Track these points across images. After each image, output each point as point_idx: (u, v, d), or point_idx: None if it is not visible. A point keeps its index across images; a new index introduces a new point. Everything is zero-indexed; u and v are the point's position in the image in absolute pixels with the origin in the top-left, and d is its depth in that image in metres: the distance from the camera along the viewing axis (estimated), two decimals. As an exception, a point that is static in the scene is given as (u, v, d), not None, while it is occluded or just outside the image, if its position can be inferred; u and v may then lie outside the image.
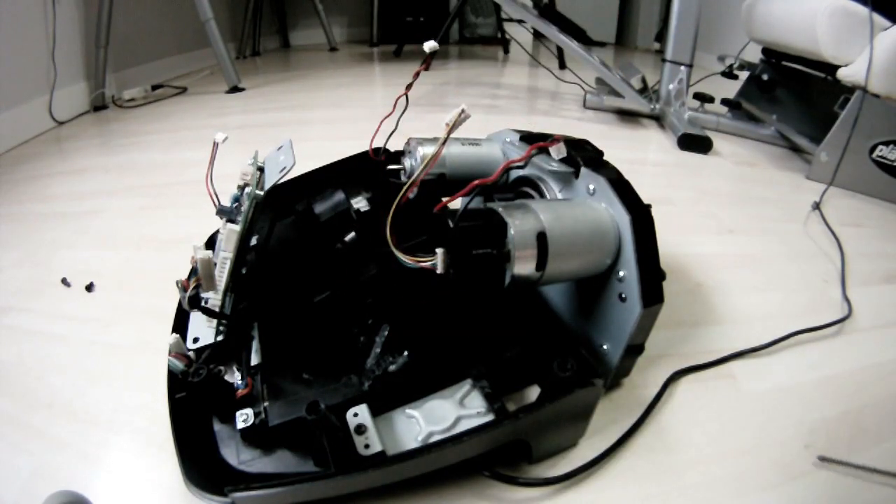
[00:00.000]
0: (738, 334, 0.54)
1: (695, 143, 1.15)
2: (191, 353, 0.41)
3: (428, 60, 0.54)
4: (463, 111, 0.40)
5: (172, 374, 0.40)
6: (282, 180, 0.43)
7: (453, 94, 1.69)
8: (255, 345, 0.43)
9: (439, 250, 0.34)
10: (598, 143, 0.49)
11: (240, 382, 0.39)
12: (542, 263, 0.36)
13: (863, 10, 0.92)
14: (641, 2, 2.91)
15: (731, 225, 0.80)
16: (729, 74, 1.41)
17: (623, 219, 0.39)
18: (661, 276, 0.39)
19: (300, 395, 0.37)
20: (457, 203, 0.42)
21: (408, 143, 0.51)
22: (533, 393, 0.43)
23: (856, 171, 0.95)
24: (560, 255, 0.37)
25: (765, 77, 1.35)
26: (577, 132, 0.58)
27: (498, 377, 0.40)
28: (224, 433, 0.37)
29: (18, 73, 1.25)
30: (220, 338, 0.43)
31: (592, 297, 0.42)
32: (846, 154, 0.94)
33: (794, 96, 1.28)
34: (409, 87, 0.49)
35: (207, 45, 1.64)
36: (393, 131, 0.53)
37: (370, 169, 0.55)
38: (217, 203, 0.45)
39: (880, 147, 0.93)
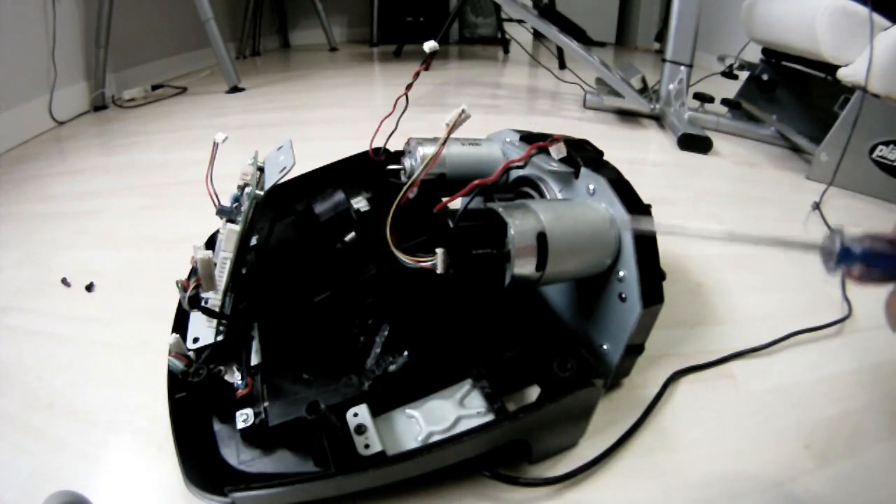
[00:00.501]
0: (738, 334, 0.54)
1: (695, 143, 1.15)
2: (191, 353, 0.41)
3: (428, 60, 0.54)
4: (463, 111, 0.40)
5: (172, 374, 0.40)
6: (282, 180, 0.43)
7: (453, 94, 1.69)
8: (255, 345, 0.43)
9: (439, 250, 0.34)
10: (598, 143, 0.49)
11: (240, 382, 0.39)
12: (542, 263, 0.36)
13: (863, 10, 0.92)
14: (641, 2, 2.91)
15: (732, 225, 0.80)
16: (729, 74, 1.41)
17: (623, 219, 0.39)
18: (661, 276, 0.39)
19: (300, 395, 0.37)
20: (457, 203, 0.42)
21: (408, 143, 0.51)
22: (533, 393, 0.43)
23: (856, 172, 0.95)
24: (560, 255, 0.37)
25: (765, 77, 1.35)
26: (577, 132, 0.58)
27: (498, 377, 0.40)
28: (224, 433, 0.37)
29: (18, 73, 1.25)
30: (220, 338, 0.43)
31: (592, 297, 0.42)
32: (846, 154, 0.94)
33: (794, 96, 1.28)
34: (409, 87, 0.49)
35: (207, 45, 1.64)
36: (393, 131, 0.53)
37: (370, 169, 0.55)
38: (217, 203, 0.45)
39: (880, 147, 0.93)
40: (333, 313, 0.43)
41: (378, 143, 0.55)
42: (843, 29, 0.95)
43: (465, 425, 0.37)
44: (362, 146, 0.57)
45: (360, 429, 0.35)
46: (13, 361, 0.52)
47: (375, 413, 0.37)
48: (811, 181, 1.00)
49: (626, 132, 1.30)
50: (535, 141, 0.48)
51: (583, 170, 0.43)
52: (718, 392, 0.47)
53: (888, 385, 0.49)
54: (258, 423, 0.36)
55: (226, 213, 0.44)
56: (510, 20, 2.39)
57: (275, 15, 2.80)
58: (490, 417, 0.37)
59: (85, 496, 0.34)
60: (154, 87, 1.68)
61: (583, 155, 0.44)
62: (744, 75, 1.42)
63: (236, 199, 0.45)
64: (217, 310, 0.42)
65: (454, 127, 0.41)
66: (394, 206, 0.38)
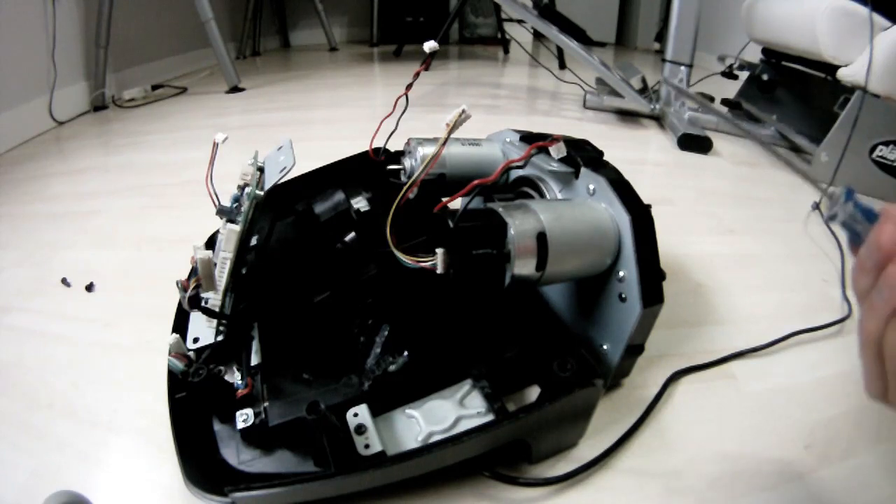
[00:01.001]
0: (738, 334, 0.54)
1: (695, 143, 1.15)
2: (191, 353, 0.41)
3: (428, 60, 0.54)
4: (463, 111, 0.40)
5: (172, 374, 0.40)
6: (282, 180, 0.43)
7: (453, 94, 1.69)
8: (255, 345, 0.43)
9: (439, 250, 0.34)
10: (598, 143, 0.49)
11: (240, 382, 0.39)
12: (542, 263, 0.36)
13: (863, 10, 0.92)
14: (641, 2, 2.91)
15: (732, 225, 0.80)
16: (729, 74, 1.41)
17: (623, 219, 0.39)
18: (661, 276, 0.39)
19: (300, 395, 0.37)
20: (457, 203, 0.42)
21: (408, 143, 0.51)
22: (533, 393, 0.43)
23: (856, 172, 0.95)
24: (560, 255, 0.37)
25: (765, 77, 1.35)
26: (577, 132, 0.58)
27: (498, 377, 0.40)
28: (224, 433, 0.37)
29: (18, 73, 1.25)
30: (220, 338, 0.43)
31: (592, 297, 0.42)
32: (846, 154, 0.94)
33: (794, 96, 1.28)
34: (409, 87, 0.49)
35: (207, 45, 1.64)
36: (393, 131, 0.53)
37: (370, 169, 0.55)
38: (217, 203, 0.45)
39: (880, 147, 0.93)
40: (333, 313, 0.43)
41: (378, 143, 0.55)
42: (843, 29, 0.95)
43: (465, 425, 0.37)
44: (362, 146, 0.57)
45: (360, 429, 0.35)
46: (13, 361, 0.52)
47: (375, 413, 0.37)
48: (811, 181, 0.99)
49: (626, 132, 1.30)
50: (535, 141, 0.48)
51: (583, 170, 0.43)
52: (718, 392, 0.47)
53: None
54: (258, 423, 0.36)
55: (226, 213, 0.44)
56: (510, 20, 2.39)
57: (275, 15, 2.80)
58: (490, 417, 0.37)
59: (85, 496, 0.34)
60: (154, 87, 1.68)
61: (583, 155, 0.44)
62: (744, 75, 1.42)
63: (236, 199, 0.45)
64: (217, 310, 0.42)
65: (454, 127, 0.41)
66: (394, 206, 0.38)
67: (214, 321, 0.42)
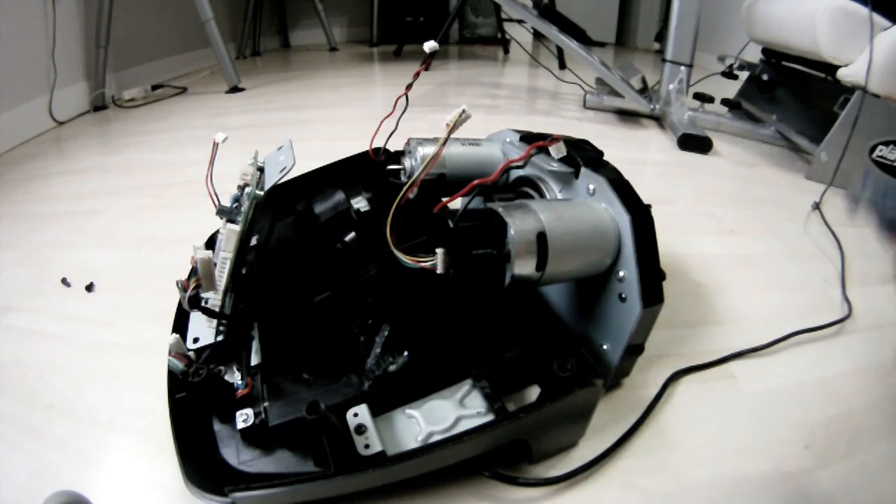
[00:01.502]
0: (738, 334, 0.54)
1: (695, 143, 1.15)
2: (191, 353, 0.41)
3: (428, 60, 0.54)
4: (464, 111, 0.40)
5: (172, 374, 0.40)
6: (282, 180, 0.43)
7: (453, 94, 1.69)
8: (255, 345, 0.43)
9: (439, 250, 0.34)
10: (598, 143, 0.49)
11: (240, 382, 0.39)
12: (542, 263, 0.36)
13: (863, 10, 0.92)
14: (641, 2, 2.91)
15: (732, 225, 0.80)
16: (729, 74, 1.41)
17: (623, 219, 0.39)
18: (661, 276, 0.39)
19: (300, 395, 0.37)
20: (457, 203, 0.42)
21: (408, 143, 0.51)
22: (533, 393, 0.43)
23: (856, 172, 0.95)
24: (560, 255, 0.37)
25: (765, 77, 1.35)
26: (577, 132, 0.58)
27: (498, 377, 0.40)
28: (224, 433, 0.37)
29: (18, 73, 1.25)
30: (220, 338, 0.43)
31: (592, 297, 0.42)
32: (846, 154, 0.94)
33: (794, 96, 1.28)
34: (409, 87, 0.49)
35: (207, 45, 1.64)
36: (393, 131, 0.53)
37: (370, 169, 0.55)
38: (217, 203, 0.45)
39: (880, 147, 0.93)
40: (333, 313, 0.43)
41: (378, 143, 0.55)
42: (843, 29, 0.95)
43: (465, 425, 0.37)
44: (362, 146, 0.57)
45: (360, 429, 0.35)
46: (13, 361, 0.52)
47: (375, 413, 0.37)
48: (811, 181, 1.00)
49: (626, 132, 1.30)
50: (535, 141, 0.48)
51: (583, 170, 0.43)
52: (718, 392, 0.47)
53: (888, 385, 0.49)
54: (258, 423, 0.36)
55: (226, 213, 0.44)
56: (510, 20, 2.39)
57: (275, 15, 2.80)
58: (490, 417, 0.37)
59: (85, 496, 0.34)
60: (154, 87, 1.68)
61: (583, 155, 0.44)
62: (744, 75, 1.42)
63: (236, 199, 0.45)
64: (217, 310, 0.42)
65: (454, 127, 0.41)
66: (394, 206, 0.38)
67: (214, 321, 0.42)
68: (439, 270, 0.34)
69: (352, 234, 0.47)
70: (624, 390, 0.47)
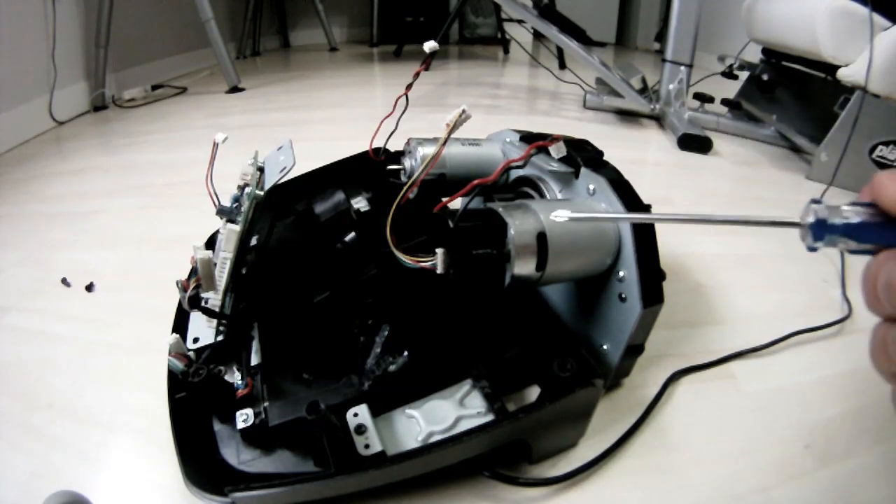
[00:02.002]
0: (738, 334, 0.54)
1: (695, 143, 1.15)
2: (191, 353, 0.41)
3: (428, 60, 0.54)
4: (463, 111, 0.40)
5: (172, 374, 0.40)
6: (282, 180, 0.43)
7: (453, 94, 1.69)
8: (255, 345, 0.43)
9: (439, 250, 0.34)
10: (598, 143, 0.49)
11: (240, 382, 0.39)
12: (542, 263, 0.36)
13: (863, 10, 0.92)
14: (641, 2, 2.91)
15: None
16: (729, 74, 1.41)
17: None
18: (662, 276, 0.39)
19: (300, 395, 0.37)
20: (457, 203, 0.42)
21: (408, 143, 0.51)
22: (533, 393, 0.43)
23: (856, 172, 0.95)
24: (560, 255, 0.37)
25: (765, 77, 1.35)
26: (577, 132, 0.58)
27: (498, 377, 0.40)
28: (224, 433, 0.37)
29: (18, 73, 1.25)
30: (220, 338, 0.43)
31: (592, 297, 0.42)
32: (846, 154, 0.94)
33: (794, 96, 1.28)
34: (409, 87, 0.49)
35: (207, 45, 1.64)
36: (393, 131, 0.53)
37: (370, 169, 0.55)
38: (217, 203, 0.45)
39: (880, 147, 0.93)
40: (333, 313, 0.43)
41: (378, 143, 0.55)
42: (843, 29, 0.95)
43: (465, 425, 0.37)
44: (362, 146, 0.57)
45: (360, 429, 0.35)
46: (13, 361, 0.52)
47: (375, 413, 0.37)
48: (811, 181, 1.00)
49: (626, 132, 1.30)
50: (535, 141, 0.48)
51: (583, 170, 0.43)
52: (718, 392, 0.47)
53: (888, 385, 0.49)
54: (258, 423, 0.36)
55: (226, 213, 0.44)
56: (510, 20, 2.39)
57: (275, 15, 2.80)
58: (490, 417, 0.37)
59: (85, 496, 0.34)
60: (154, 87, 1.68)
61: (583, 155, 0.44)
62: (744, 75, 1.42)
63: (236, 199, 0.45)
64: (217, 310, 0.42)
65: (454, 127, 0.41)
66: (394, 206, 0.38)
67: (214, 321, 0.42)
68: (439, 270, 0.34)
69: (352, 234, 0.47)
70: (624, 390, 0.47)
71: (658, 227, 0.39)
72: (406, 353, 0.39)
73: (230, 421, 0.37)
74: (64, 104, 1.40)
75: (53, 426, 0.44)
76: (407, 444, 0.36)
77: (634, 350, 0.41)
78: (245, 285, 0.45)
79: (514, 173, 0.50)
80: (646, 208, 0.40)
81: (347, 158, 0.59)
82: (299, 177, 0.57)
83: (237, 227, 0.43)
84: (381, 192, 0.52)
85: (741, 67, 1.40)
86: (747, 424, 0.44)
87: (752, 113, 1.34)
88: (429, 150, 0.49)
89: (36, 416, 0.45)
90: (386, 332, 0.40)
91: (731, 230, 0.79)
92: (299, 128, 1.31)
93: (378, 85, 1.90)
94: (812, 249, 0.20)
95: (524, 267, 0.36)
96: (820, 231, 0.19)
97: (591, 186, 0.42)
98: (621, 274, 0.39)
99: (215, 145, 0.47)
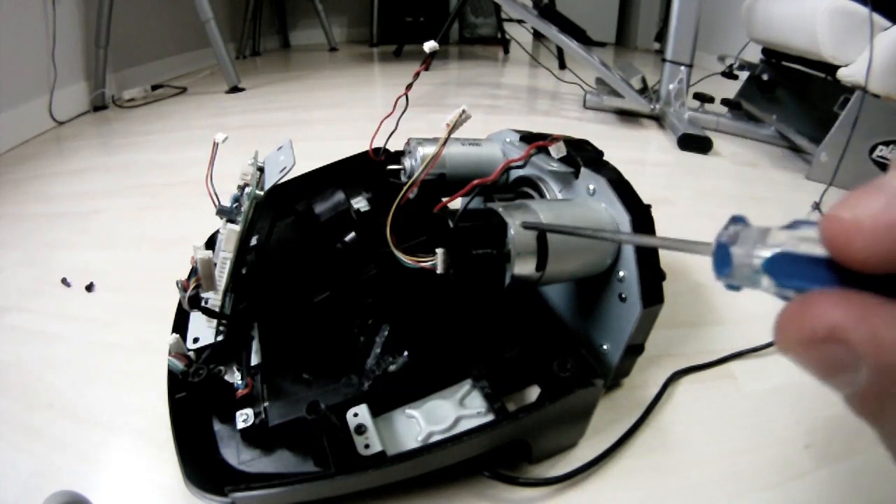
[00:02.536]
0: (738, 334, 0.54)
1: (695, 143, 1.15)
2: (191, 353, 0.41)
3: (428, 60, 0.54)
4: (464, 111, 0.40)
5: (172, 374, 0.40)
6: (282, 180, 0.43)
7: (453, 94, 1.69)
8: (255, 345, 0.43)
9: (439, 250, 0.34)
10: (598, 143, 0.49)
11: (240, 382, 0.39)
12: (542, 263, 0.36)
13: (863, 10, 0.92)
14: (641, 2, 2.91)
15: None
16: (729, 74, 1.41)
17: (623, 219, 0.39)
18: (662, 276, 0.39)
19: (300, 395, 0.37)
20: (457, 203, 0.42)
21: (408, 143, 0.51)
22: (533, 393, 0.43)
23: (856, 172, 0.95)
24: (560, 255, 0.37)
25: (765, 77, 1.35)
26: (577, 132, 0.58)
27: (498, 377, 0.40)
28: (224, 433, 0.37)
29: (18, 73, 1.25)
30: (220, 338, 0.43)
31: (592, 297, 0.42)
32: (846, 154, 0.94)
33: (794, 96, 1.28)
34: (409, 87, 0.49)
35: (207, 45, 1.64)
36: (393, 131, 0.53)
37: (370, 169, 0.55)
38: (217, 203, 0.45)
39: (880, 147, 0.93)
40: (333, 313, 0.43)
41: (378, 143, 0.55)
42: (843, 29, 0.95)
43: (465, 425, 0.37)
44: (362, 146, 0.57)
45: (360, 429, 0.35)
46: (13, 361, 0.52)
47: (375, 413, 0.37)
48: (811, 181, 1.00)
49: (626, 132, 1.30)
50: (535, 141, 0.48)
51: (583, 170, 0.43)
52: (718, 392, 0.47)
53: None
54: (258, 423, 0.36)
55: (226, 213, 0.44)
56: (510, 20, 2.39)
57: (275, 15, 2.80)
58: (490, 417, 0.37)
59: (85, 496, 0.34)
60: (154, 87, 1.68)
61: (583, 155, 0.44)
62: (744, 75, 1.42)
63: (236, 199, 0.45)
64: (217, 310, 0.42)
65: (454, 127, 0.41)
66: (394, 206, 0.38)
67: (214, 321, 0.42)
68: (439, 270, 0.34)
69: (352, 234, 0.47)
70: (624, 390, 0.47)
71: (658, 227, 0.39)
72: (406, 353, 0.39)
73: (230, 421, 0.37)
74: (64, 104, 1.40)
75: (53, 426, 0.44)
76: (407, 444, 0.36)
77: (634, 350, 0.41)
78: (245, 285, 0.45)
79: (514, 173, 0.50)
80: (646, 208, 0.40)
81: (347, 158, 0.59)
82: (299, 177, 0.57)
83: (237, 227, 0.43)
84: (381, 192, 0.52)
85: (741, 67, 1.40)
86: (747, 424, 0.44)
87: (752, 113, 1.34)
88: (429, 150, 0.49)
89: (36, 416, 0.45)
90: (386, 332, 0.40)
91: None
92: (299, 128, 1.31)
93: (378, 85, 1.90)
94: (731, 287, 0.14)
95: (524, 267, 0.36)
96: (723, 263, 0.14)
97: (591, 186, 0.42)
98: (621, 274, 0.39)
99: (215, 145, 0.47)
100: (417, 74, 0.50)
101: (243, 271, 0.45)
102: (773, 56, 1.32)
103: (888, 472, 0.40)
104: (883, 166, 0.93)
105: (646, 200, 0.40)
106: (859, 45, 0.93)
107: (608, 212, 0.40)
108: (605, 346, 0.42)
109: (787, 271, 0.13)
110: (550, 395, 0.35)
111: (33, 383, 0.49)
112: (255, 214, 0.44)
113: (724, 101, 1.38)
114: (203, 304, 0.41)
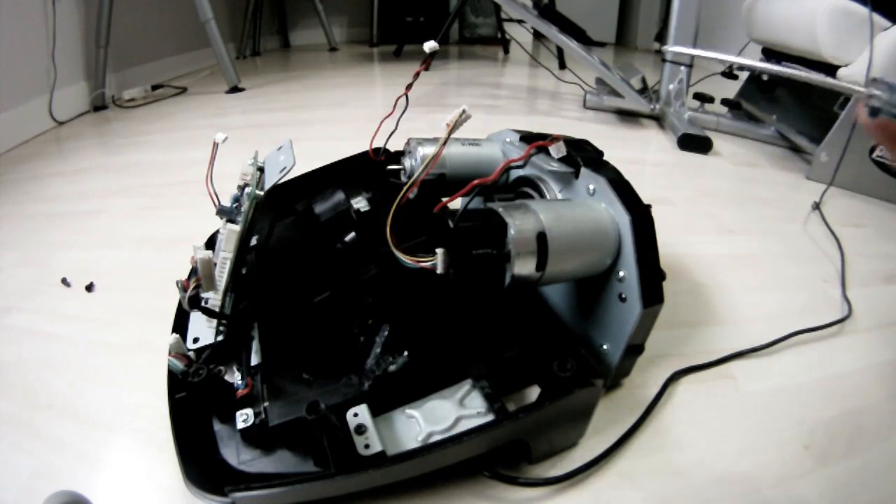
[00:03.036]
0: (738, 334, 0.54)
1: (695, 143, 1.15)
2: (191, 353, 0.41)
3: (428, 60, 0.54)
4: (464, 111, 0.40)
5: (172, 374, 0.40)
6: (282, 180, 0.43)
7: (453, 94, 1.69)
8: (255, 345, 0.43)
9: (439, 250, 0.34)
10: (598, 143, 0.49)
11: (240, 382, 0.39)
12: (542, 263, 0.36)
13: (863, 10, 0.92)
14: (641, 2, 2.91)
15: (731, 225, 0.80)
16: (729, 74, 1.41)
17: (623, 219, 0.39)
18: (662, 276, 0.39)
19: (300, 395, 0.37)
20: (457, 203, 0.42)
21: (408, 143, 0.51)
22: (533, 393, 0.43)
23: (856, 172, 0.95)
24: (560, 255, 0.37)
25: (765, 77, 1.35)
26: (577, 132, 0.58)
27: (498, 377, 0.40)
28: (224, 433, 0.37)
29: (18, 73, 1.25)
30: (220, 338, 0.43)
31: (592, 297, 0.42)
32: (846, 154, 0.94)
33: (794, 96, 1.28)
34: (409, 87, 0.49)
35: (207, 45, 1.64)
36: (393, 131, 0.53)
37: (370, 169, 0.55)
38: (217, 203, 0.45)
39: (880, 147, 0.93)
40: (333, 313, 0.43)
41: (378, 143, 0.55)
42: (843, 29, 0.95)
43: (465, 425, 0.37)
44: (362, 146, 0.57)
45: (360, 429, 0.35)
46: (13, 361, 0.52)
47: (375, 413, 0.37)
48: (811, 181, 1.00)
49: (626, 132, 1.30)
50: (535, 141, 0.48)
51: (583, 170, 0.43)
52: (718, 392, 0.47)
53: (888, 385, 0.49)
54: (258, 423, 0.36)
55: (226, 213, 0.44)
56: (510, 20, 2.39)
57: (275, 15, 2.80)
58: (490, 417, 0.37)
59: (85, 496, 0.34)
60: (154, 87, 1.68)
61: (583, 155, 0.44)
62: (744, 75, 1.42)
63: (236, 199, 0.45)
64: (217, 310, 0.42)
65: (454, 127, 0.41)
66: (394, 207, 0.38)
67: (214, 321, 0.42)
68: (439, 270, 0.34)
69: (352, 234, 0.47)
70: (624, 390, 0.47)
71: (658, 226, 0.39)
72: (406, 353, 0.39)
73: (230, 421, 0.37)
74: (64, 104, 1.40)
75: (53, 426, 0.44)
76: (407, 444, 0.36)
77: (634, 350, 0.41)
78: (245, 285, 0.45)
79: (514, 173, 0.50)
80: (646, 208, 0.40)
81: (347, 158, 0.59)
82: (299, 177, 0.57)
83: (237, 227, 0.43)
84: (381, 192, 0.52)
85: (741, 67, 1.40)
86: (747, 424, 0.44)
87: (752, 113, 1.34)
88: (429, 150, 0.49)
89: (36, 416, 0.45)
90: (386, 332, 0.40)
91: (732, 230, 0.79)
92: (299, 128, 1.31)
93: (378, 85, 1.90)
94: (874, 112, 0.22)
95: (524, 267, 0.36)
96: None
97: (591, 186, 0.42)
98: (621, 274, 0.39)
99: (215, 145, 0.47)
100: (417, 74, 0.50)
101: (243, 271, 0.45)
102: (773, 56, 1.32)
103: (888, 472, 0.40)
104: (883, 166, 0.93)
105: (646, 200, 0.40)
106: (859, 45, 0.93)
107: (608, 211, 0.40)
108: (605, 346, 0.42)
109: None
110: (550, 395, 0.35)
111: (33, 383, 0.49)
112: (255, 214, 0.44)
113: (724, 101, 1.38)
114: (203, 304, 0.41)
